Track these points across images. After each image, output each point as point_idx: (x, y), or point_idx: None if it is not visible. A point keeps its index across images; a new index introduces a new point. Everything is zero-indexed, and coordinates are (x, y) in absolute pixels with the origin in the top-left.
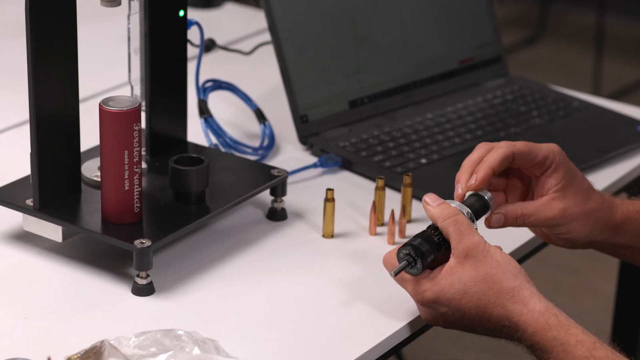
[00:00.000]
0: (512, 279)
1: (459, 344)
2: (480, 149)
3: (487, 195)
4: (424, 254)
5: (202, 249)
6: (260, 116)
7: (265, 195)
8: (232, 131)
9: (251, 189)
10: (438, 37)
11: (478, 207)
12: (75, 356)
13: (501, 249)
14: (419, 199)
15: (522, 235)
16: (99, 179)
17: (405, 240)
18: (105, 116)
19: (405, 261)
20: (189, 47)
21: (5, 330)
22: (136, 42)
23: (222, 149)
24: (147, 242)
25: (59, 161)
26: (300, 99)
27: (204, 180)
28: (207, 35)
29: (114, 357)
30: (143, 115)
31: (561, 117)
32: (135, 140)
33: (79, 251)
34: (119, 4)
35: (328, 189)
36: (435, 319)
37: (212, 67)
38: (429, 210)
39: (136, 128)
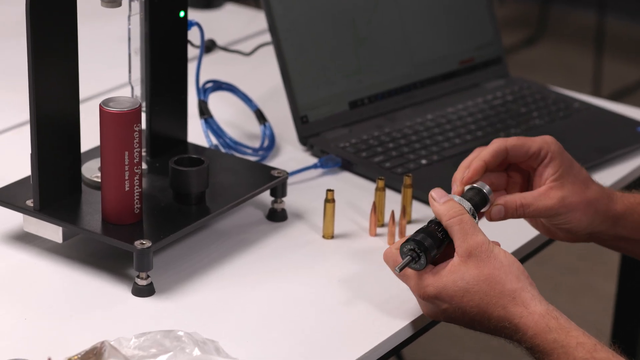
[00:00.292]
0: (515, 281)
1: (459, 344)
2: (475, 152)
3: (486, 189)
4: (428, 249)
5: (202, 249)
6: (261, 117)
7: (266, 196)
8: (232, 132)
9: (251, 189)
10: (438, 37)
11: (477, 201)
12: (76, 357)
13: (505, 251)
14: (419, 199)
15: (522, 236)
16: (99, 180)
17: None
18: (106, 117)
19: (409, 256)
20: (189, 47)
21: (5, 331)
22: (136, 42)
23: (222, 150)
24: (147, 243)
25: (59, 162)
26: (301, 99)
27: (204, 181)
28: (207, 36)
29: (114, 357)
30: (143, 115)
31: (561, 118)
32: (135, 141)
33: (79, 252)
34: (120, 4)
35: (328, 190)
36: (436, 314)
37: (212, 67)
38: (435, 206)
39: (136, 129)
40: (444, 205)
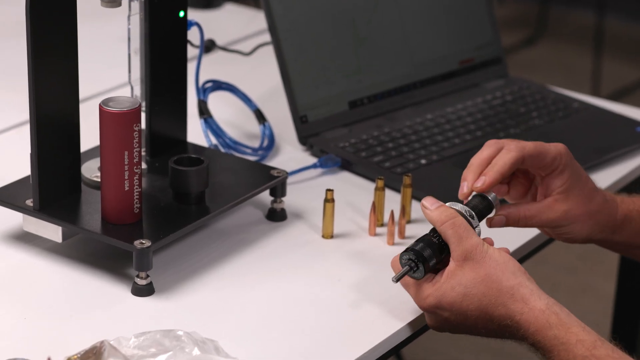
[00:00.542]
0: (512, 278)
1: (459, 344)
2: (489, 147)
3: (492, 196)
4: (426, 258)
5: (202, 249)
6: (260, 117)
7: (265, 196)
8: (231, 132)
9: (251, 189)
10: (438, 37)
11: (482, 208)
12: (75, 356)
13: (500, 250)
14: (419, 199)
15: (522, 236)
16: (99, 180)
17: (404, 241)
18: (105, 117)
19: (407, 266)
20: (189, 47)
21: (5, 330)
22: (136, 42)
23: (222, 150)
24: (147, 243)
25: (59, 161)
26: (300, 99)
27: (203, 180)
28: (207, 36)
29: (113, 357)
30: (143, 115)
31: (561, 118)
32: (135, 141)
33: (78, 251)
34: (119, 4)
35: (328, 190)
36: (440, 325)
37: (212, 67)
38: (427, 214)
39: (136, 128)
40: (436, 211)
